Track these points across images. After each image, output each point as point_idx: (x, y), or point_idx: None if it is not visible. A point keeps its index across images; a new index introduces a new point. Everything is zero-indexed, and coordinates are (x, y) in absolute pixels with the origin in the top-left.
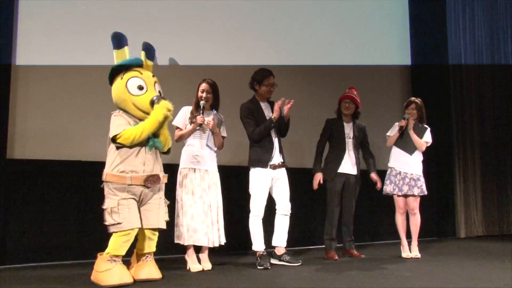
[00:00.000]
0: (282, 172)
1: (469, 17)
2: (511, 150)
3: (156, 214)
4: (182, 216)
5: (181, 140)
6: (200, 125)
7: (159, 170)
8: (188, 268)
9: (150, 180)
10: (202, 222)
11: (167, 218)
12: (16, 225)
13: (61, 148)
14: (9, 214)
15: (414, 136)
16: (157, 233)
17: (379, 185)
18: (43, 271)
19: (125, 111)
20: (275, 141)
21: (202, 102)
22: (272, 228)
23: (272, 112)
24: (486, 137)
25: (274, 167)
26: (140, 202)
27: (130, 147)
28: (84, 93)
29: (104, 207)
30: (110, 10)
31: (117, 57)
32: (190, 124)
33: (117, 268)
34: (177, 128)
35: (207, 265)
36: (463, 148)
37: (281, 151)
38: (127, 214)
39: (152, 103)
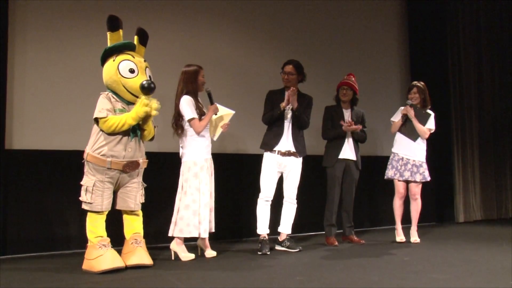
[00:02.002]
0: (292, 160)
1: (467, 6)
2: (510, 136)
3: (133, 198)
4: (199, 207)
5: (203, 129)
6: (215, 113)
7: (140, 156)
8: (173, 258)
9: (130, 166)
10: (210, 211)
11: (142, 201)
12: (16, 215)
13: (60, 138)
14: (8, 205)
15: (417, 124)
16: (139, 214)
17: (354, 125)
18: (43, 261)
19: (114, 92)
20: (287, 129)
21: (209, 90)
22: (277, 215)
23: (298, 103)
24: (484, 123)
25: (283, 154)
26: (117, 185)
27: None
28: (82, 83)
29: (81, 183)
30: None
31: (111, 39)
32: (198, 114)
33: (108, 253)
34: (194, 118)
35: (211, 252)
36: (462, 134)
37: (294, 140)
38: (99, 197)
39: (143, 87)
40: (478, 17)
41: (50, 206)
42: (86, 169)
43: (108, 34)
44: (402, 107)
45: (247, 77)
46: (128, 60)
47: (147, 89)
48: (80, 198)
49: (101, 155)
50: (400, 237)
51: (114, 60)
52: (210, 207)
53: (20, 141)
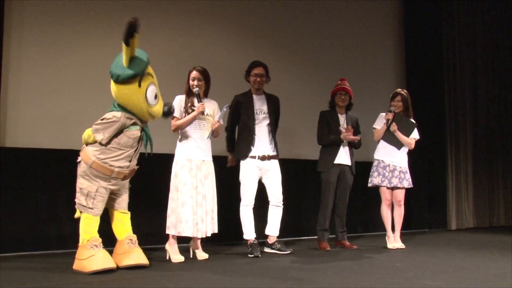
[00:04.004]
0: (272, 163)
1: (463, 10)
2: (503, 144)
3: (126, 199)
4: (177, 206)
5: (179, 129)
6: (203, 113)
7: (136, 163)
8: (167, 258)
9: (130, 174)
10: (194, 214)
11: (128, 200)
12: (9, 214)
13: (53, 136)
14: (1, 203)
15: (401, 136)
16: (129, 214)
17: (351, 136)
18: (34, 260)
19: (130, 111)
20: (262, 135)
21: (196, 90)
22: (265, 218)
23: (267, 105)
24: (478, 131)
25: (263, 158)
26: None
27: (123, 146)
28: (76, 82)
29: (81, 186)
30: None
31: (127, 54)
32: (186, 113)
33: (100, 253)
34: (174, 117)
35: (203, 255)
36: (456, 141)
37: (271, 144)
38: (100, 203)
39: (166, 114)
40: (474, 23)
41: (43, 204)
42: (84, 172)
43: (125, 48)
44: (383, 113)
45: (242, 79)
46: (152, 83)
47: (169, 115)
48: (78, 201)
49: (109, 165)
50: (392, 244)
51: (140, 86)
52: (207, 210)
53: (14, 139)
